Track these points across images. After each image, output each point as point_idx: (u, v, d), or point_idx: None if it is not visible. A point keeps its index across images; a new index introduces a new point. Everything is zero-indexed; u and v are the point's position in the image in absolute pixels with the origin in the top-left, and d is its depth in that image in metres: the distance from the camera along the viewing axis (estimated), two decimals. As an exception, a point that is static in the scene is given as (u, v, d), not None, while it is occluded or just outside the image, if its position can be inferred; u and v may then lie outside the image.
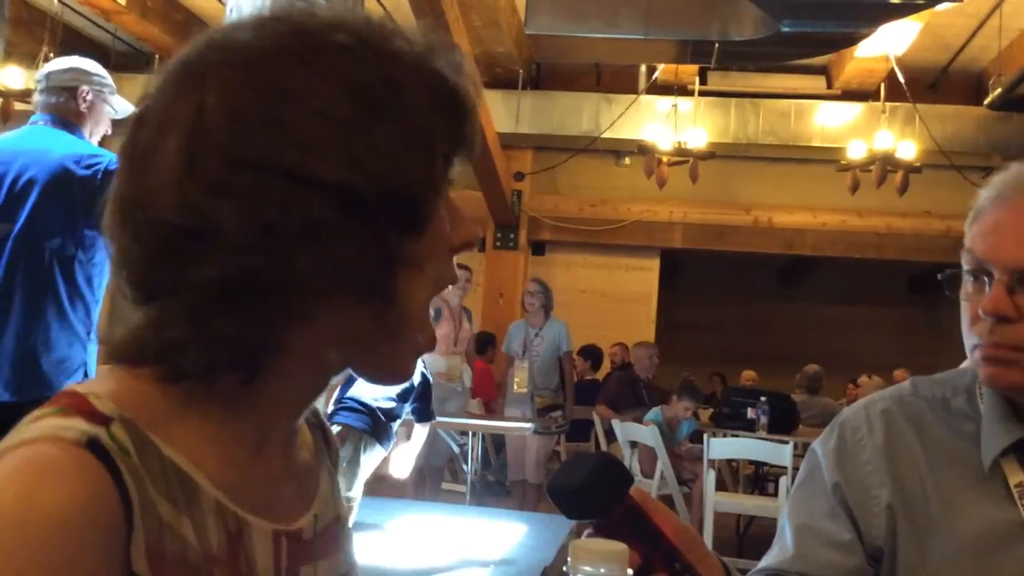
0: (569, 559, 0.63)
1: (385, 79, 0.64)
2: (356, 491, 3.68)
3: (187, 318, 0.62)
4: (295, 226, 0.60)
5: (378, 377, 0.70)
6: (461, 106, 0.68)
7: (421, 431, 4.04)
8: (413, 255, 0.65)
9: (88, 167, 2.82)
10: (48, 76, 2.96)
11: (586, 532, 0.71)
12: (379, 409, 3.71)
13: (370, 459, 3.71)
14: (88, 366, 2.92)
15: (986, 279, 1.01)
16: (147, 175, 0.62)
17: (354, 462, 3.65)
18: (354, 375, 0.71)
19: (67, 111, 2.94)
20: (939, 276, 1.07)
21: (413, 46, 0.67)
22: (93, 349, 2.96)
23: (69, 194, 2.79)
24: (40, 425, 0.59)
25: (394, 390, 3.70)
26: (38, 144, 2.86)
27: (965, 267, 1.04)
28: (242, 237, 0.60)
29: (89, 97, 2.96)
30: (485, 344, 7.64)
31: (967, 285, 1.04)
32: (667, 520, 0.73)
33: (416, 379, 3.70)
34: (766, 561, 1.11)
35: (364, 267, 0.63)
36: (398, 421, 3.82)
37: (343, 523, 0.77)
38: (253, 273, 0.60)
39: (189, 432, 0.63)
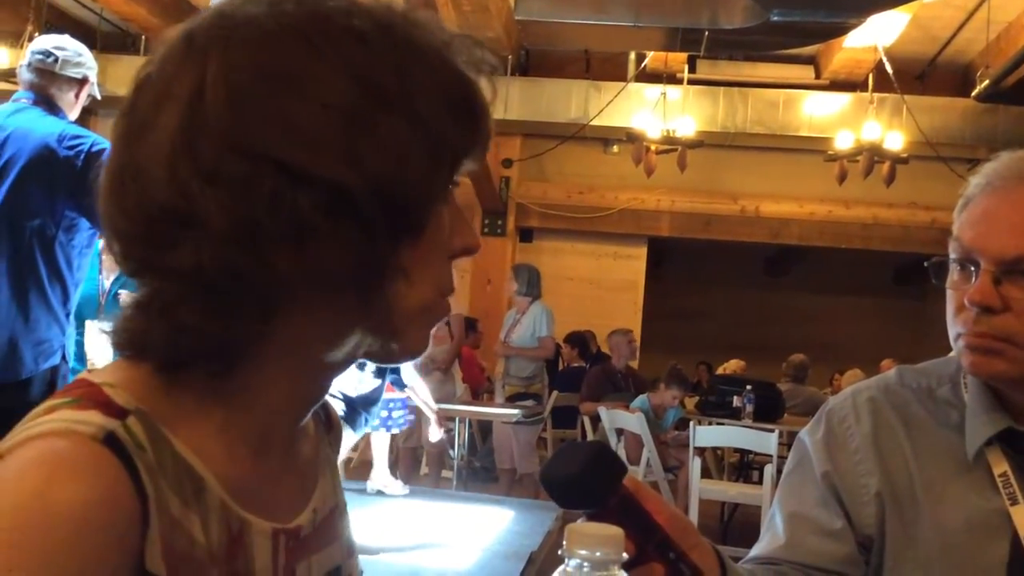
0: (564, 543, 0.63)
1: (397, 70, 0.61)
2: None
3: (157, 303, 0.60)
4: (281, 225, 0.58)
5: (382, 362, 0.69)
6: (477, 108, 0.64)
7: (419, 393, 4.17)
8: (405, 261, 0.62)
9: (71, 148, 2.78)
10: (34, 54, 2.93)
11: (580, 519, 0.72)
12: (359, 397, 3.77)
13: None
14: (66, 349, 2.88)
15: (973, 268, 1.00)
16: (142, 146, 0.60)
17: None
18: None
19: (51, 90, 2.91)
20: (925, 264, 1.06)
21: (433, 38, 0.64)
22: (71, 332, 2.93)
23: (51, 174, 2.75)
24: (54, 417, 0.57)
25: (369, 373, 3.78)
26: (21, 123, 2.82)
27: (952, 255, 1.03)
28: (225, 229, 0.58)
29: (75, 78, 2.93)
30: (468, 329, 7.62)
31: (953, 273, 1.03)
32: (660, 509, 0.73)
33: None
34: (757, 550, 1.10)
35: (350, 272, 0.60)
36: (378, 404, 3.92)
37: (342, 510, 0.76)
38: (231, 267, 0.58)
39: (195, 430, 0.62)
